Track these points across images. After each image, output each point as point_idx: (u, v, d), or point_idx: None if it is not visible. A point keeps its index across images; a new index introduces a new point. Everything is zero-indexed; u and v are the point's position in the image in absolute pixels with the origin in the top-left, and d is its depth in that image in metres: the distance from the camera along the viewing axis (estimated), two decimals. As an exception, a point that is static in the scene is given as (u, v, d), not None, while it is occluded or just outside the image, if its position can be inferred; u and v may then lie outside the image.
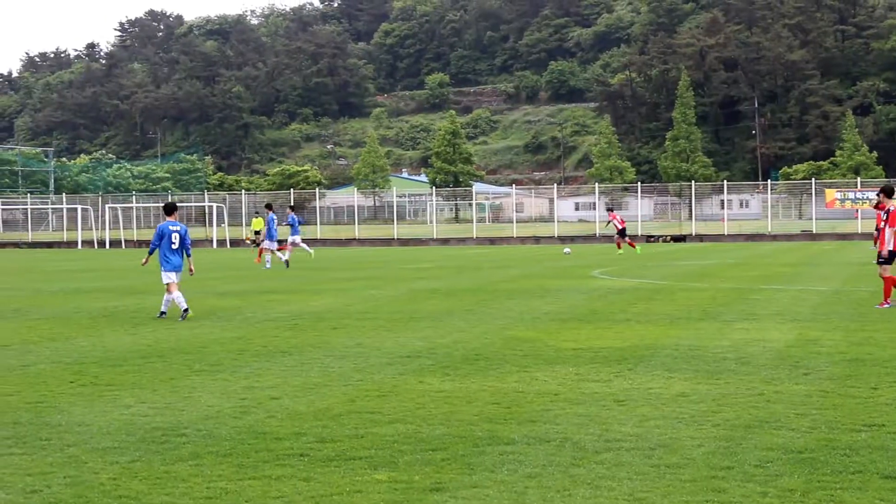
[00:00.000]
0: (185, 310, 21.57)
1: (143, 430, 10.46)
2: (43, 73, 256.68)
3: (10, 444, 9.90)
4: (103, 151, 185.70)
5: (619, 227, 55.18)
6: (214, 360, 15.54)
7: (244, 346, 17.13)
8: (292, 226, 45.79)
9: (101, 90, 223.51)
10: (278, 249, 44.05)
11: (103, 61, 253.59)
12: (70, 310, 24.20)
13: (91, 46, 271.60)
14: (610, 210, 57.82)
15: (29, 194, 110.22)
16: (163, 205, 23.66)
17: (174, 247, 21.95)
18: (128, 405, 11.85)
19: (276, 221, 43.69)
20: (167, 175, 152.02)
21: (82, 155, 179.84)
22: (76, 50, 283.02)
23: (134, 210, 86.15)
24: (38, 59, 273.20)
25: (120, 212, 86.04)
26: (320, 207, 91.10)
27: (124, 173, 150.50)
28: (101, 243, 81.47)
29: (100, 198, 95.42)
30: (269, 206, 45.96)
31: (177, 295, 21.79)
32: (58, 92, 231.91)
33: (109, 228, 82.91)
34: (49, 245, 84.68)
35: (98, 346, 17.32)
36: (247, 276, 37.25)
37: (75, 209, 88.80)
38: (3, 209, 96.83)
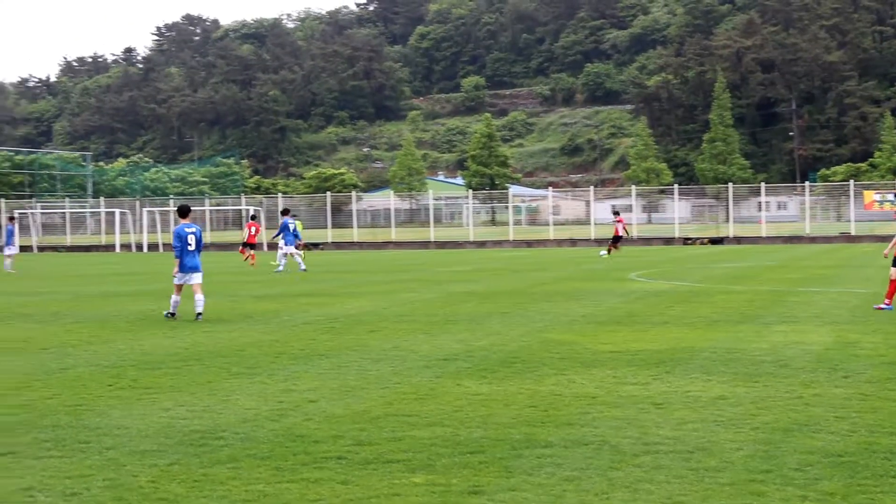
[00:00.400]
0: (172, 314, 22.32)
1: (182, 433, 10.51)
2: (81, 78, 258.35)
3: (50, 447, 9.96)
4: (141, 155, 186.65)
5: (617, 234, 54.54)
6: (252, 363, 15.59)
7: (281, 349, 17.18)
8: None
9: (138, 94, 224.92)
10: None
11: (140, 66, 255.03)
12: (108, 313, 24.33)
13: (128, 51, 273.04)
14: (616, 213, 57.25)
15: (67, 198, 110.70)
16: (176, 208, 23.97)
17: (190, 248, 22.23)
18: (166, 408, 11.91)
19: (290, 227, 43.82)
20: (204, 179, 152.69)
21: (120, 159, 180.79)
22: (114, 54, 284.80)
23: (171, 214, 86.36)
24: (75, 64, 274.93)
25: (157, 215, 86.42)
26: (357, 210, 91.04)
27: (162, 177, 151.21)
28: (139, 247, 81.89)
29: (137, 201, 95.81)
30: (284, 212, 46.05)
31: (174, 298, 22.41)
32: (95, 96, 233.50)
33: (147, 232, 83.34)
34: (87, 249, 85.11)
35: (136, 350, 17.41)
36: (283, 280, 37.39)
37: (113, 213, 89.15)
38: (42, 213, 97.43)
